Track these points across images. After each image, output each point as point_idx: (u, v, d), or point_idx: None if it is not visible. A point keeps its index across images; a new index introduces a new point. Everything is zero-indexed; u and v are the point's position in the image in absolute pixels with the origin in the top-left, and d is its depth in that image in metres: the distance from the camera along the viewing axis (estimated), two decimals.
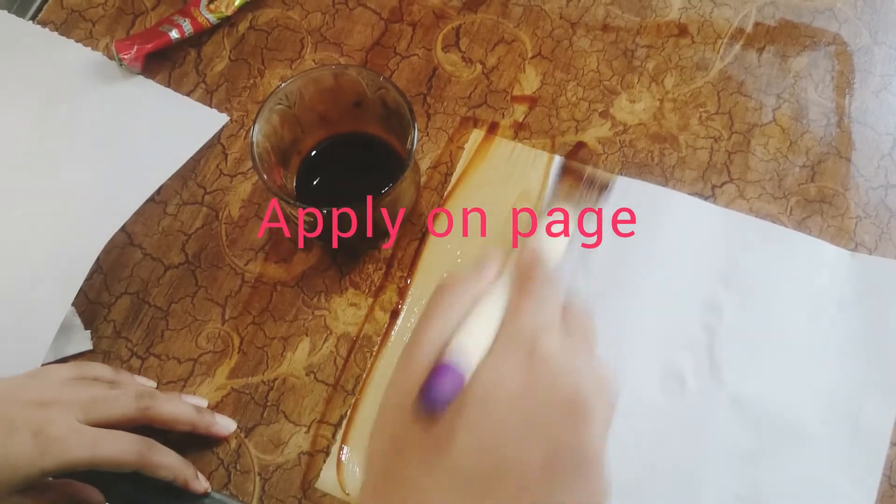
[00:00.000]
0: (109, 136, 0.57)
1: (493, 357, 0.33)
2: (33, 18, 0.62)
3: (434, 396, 0.31)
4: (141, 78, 0.59)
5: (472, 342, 0.34)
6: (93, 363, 0.49)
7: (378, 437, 0.34)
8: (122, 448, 0.42)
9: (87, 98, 0.58)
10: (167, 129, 0.57)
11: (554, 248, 0.41)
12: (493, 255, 0.38)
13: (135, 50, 0.58)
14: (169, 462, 0.45)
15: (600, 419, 0.32)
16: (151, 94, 0.59)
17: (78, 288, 0.51)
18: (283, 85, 0.48)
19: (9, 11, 0.62)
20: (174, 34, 0.59)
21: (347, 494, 0.47)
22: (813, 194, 0.55)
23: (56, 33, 0.61)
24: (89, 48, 0.60)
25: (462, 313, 0.35)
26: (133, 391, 0.45)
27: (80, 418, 0.42)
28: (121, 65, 0.58)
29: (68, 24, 0.62)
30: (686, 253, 0.53)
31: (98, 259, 0.52)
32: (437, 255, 0.53)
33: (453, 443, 0.31)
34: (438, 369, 0.32)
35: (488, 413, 0.32)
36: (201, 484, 0.47)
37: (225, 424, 0.49)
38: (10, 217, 0.54)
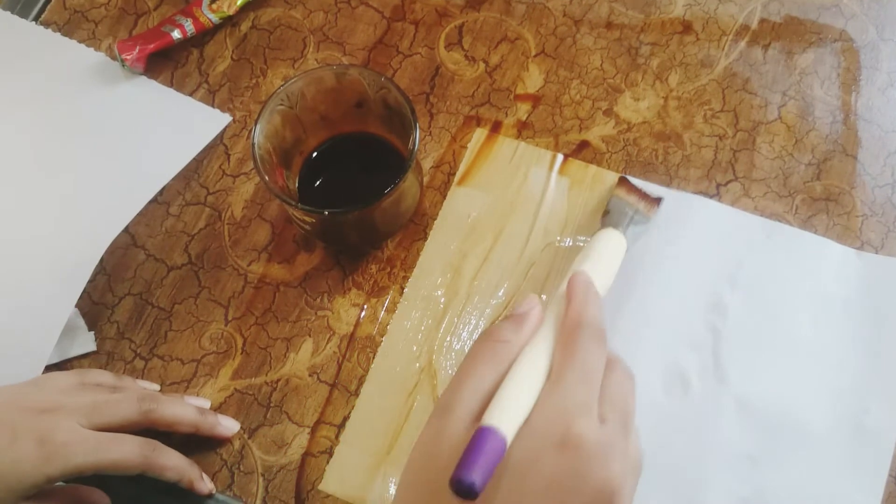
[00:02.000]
0: (112, 136, 0.57)
1: (528, 434, 0.32)
2: (36, 19, 0.62)
3: (475, 471, 0.29)
4: (143, 78, 0.59)
5: (511, 409, 0.32)
6: (94, 370, 0.49)
7: None
8: (126, 451, 0.42)
9: (89, 99, 0.58)
10: (170, 129, 0.57)
11: (605, 278, 0.39)
12: (531, 303, 0.37)
13: (137, 50, 0.58)
14: (174, 463, 0.45)
15: (627, 500, 0.33)
16: (154, 95, 0.59)
17: (81, 289, 0.51)
18: (284, 85, 0.48)
19: (11, 12, 0.62)
20: (176, 34, 0.58)
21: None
22: (819, 192, 0.54)
23: (59, 34, 0.61)
24: (92, 49, 0.60)
25: (501, 371, 0.33)
26: (135, 394, 0.45)
27: (84, 423, 0.42)
28: (123, 65, 0.58)
29: (71, 25, 0.62)
30: (690, 252, 0.52)
31: (101, 260, 0.52)
32: (437, 254, 0.53)
33: None
34: (479, 437, 0.30)
35: (518, 495, 0.31)
36: (206, 485, 0.47)
37: (228, 425, 0.49)
38: (13, 218, 0.54)
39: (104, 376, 0.47)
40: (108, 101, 0.58)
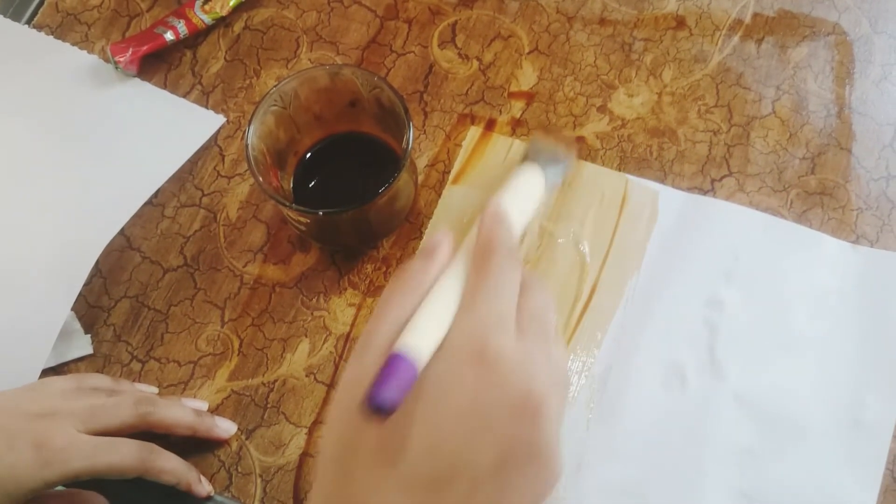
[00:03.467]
0: (106, 139, 0.57)
1: (446, 353, 0.32)
2: (28, 22, 0.62)
3: (384, 390, 0.30)
4: (137, 80, 0.59)
5: (425, 333, 0.32)
6: (92, 374, 0.49)
7: (328, 441, 0.34)
8: (123, 455, 0.42)
9: (83, 101, 0.58)
10: (164, 131, 0.57)
11: (522, 209, 0.39)
12: (440, 235, 0.37)
13: (130, 52, 0.58)
14: (171, 466, 0.45)
15: (554, 413, 0.32)
16: (147, 97, 0.58)
17: (77, 292, 0.51)
18: (277, 86, 0.48)
19: (4, 16, 0.62)
20: (169, 36, 0.58)
21: None
22: (813, 186, 0.54)
23: (51, 37, 0.61)
24: (85, 51, 0.60)
25: (415, 302, 0.33)
26: (132, 398, 0.45)
27: (80, 428, 0.42)
28: (116, 67, 0.58)
29: (63, 28, 0.61)
30: (686, 248, 0.52)
31: (97, 263, 0.52)
32: None
33: (404, 445, 0.31)
34: (389, 361, 0.31)
35: (439, 413, 0.31)
36: (204, 487, 0.47)
37: (225, 427, 0.49)
38: (8, 222, 0.54)
39: (102, 380, 0.47)
40: (101, 103, 0.58)
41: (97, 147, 0.57)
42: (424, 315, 0.33)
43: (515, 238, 0.37)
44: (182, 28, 0.59)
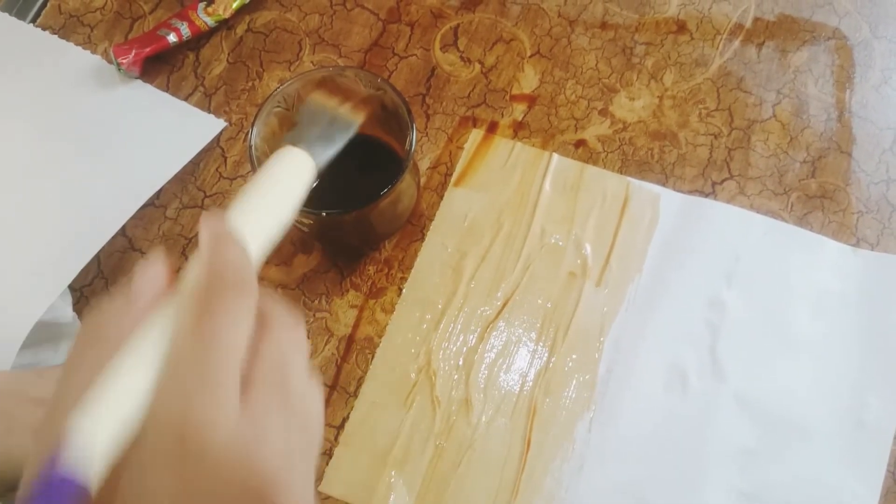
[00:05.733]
0: (108, 139, 0.57)
1: (139, 445, 0.24)
2: (31, 24, 0.62)
3: None
4: (139, 82, 0.59)
5: (104, 415, 0.23)
6: None
7: None
8: None
9: (85, 102, 0.58)
10: (165, 133, 0.57)
11: (268, 218, 0.30)
12: (153, 264, 0.28)
13: (133, 54, 0.58)
14: None
15: (295, 486, 0.25)
16: (149, 99, 0.59)
17: (63, 288, 0.50)
18: (280, 88, 0.48)
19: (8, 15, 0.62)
20: (172, 38, 0.58)
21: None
22: (814, 190, 0.54)
23: (55, 37, 0.61)
24: (88, 52, 0.60)
25: (104, 361, 0.24)
26: None
27: None
28: (119, 69, 0.58)
29: (66, 30, 0.62)
30: (687, 250, 0.53)
31: (99, 264, 0.52)
32: (435, 255, 0.53)
33: None
34: (43, 482, 0.22)
35: None
36: None
37: None
38: (8, 221, 0.54)
39: None
40: (103, 104, 0.58)
41: (97, 148, 0.57)
42: (108, 385, 0.24)
43: (248, 262, 0.27)
44: (185, 30, 0.59)
